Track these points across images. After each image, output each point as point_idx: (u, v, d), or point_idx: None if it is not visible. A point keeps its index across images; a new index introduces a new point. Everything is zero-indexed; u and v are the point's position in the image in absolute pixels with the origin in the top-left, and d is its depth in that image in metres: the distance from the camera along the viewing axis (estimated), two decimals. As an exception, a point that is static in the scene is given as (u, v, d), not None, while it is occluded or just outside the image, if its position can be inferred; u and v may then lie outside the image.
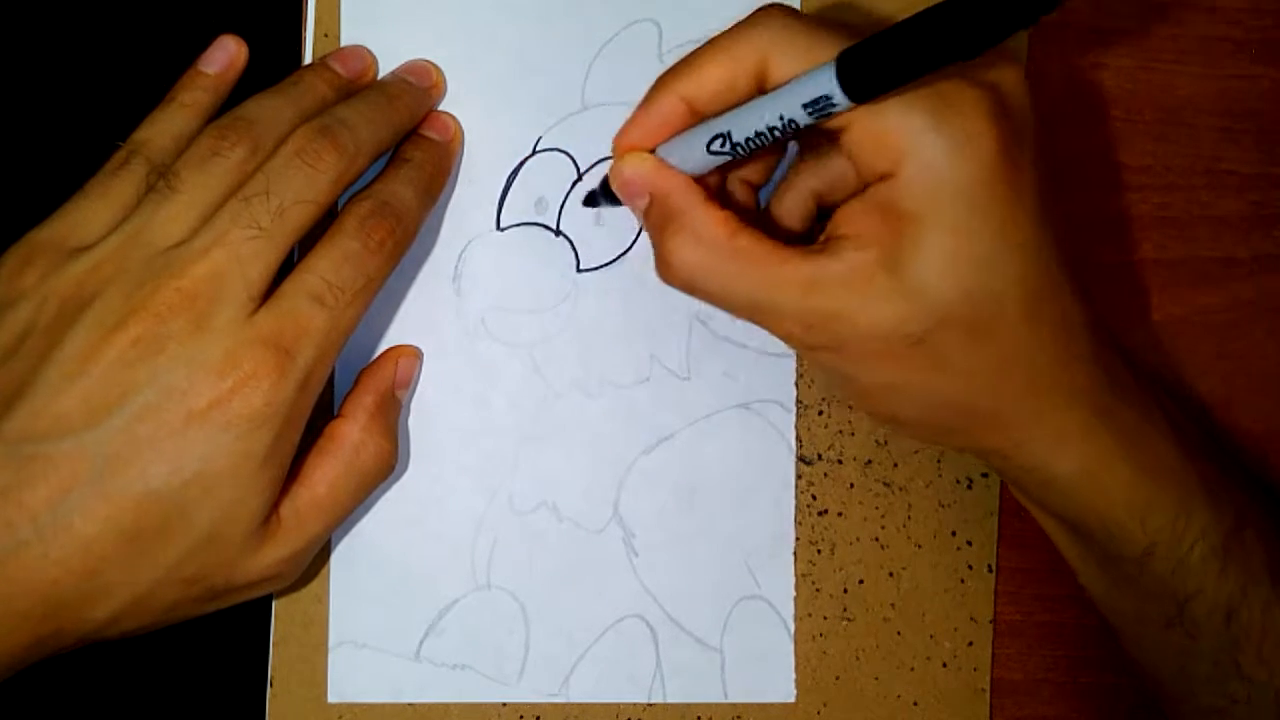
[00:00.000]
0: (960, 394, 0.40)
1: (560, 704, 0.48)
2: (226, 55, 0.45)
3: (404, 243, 0.43)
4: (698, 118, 0.40)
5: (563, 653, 0.48)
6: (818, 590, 0.49)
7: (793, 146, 0.46)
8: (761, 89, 0.39)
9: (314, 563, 0.47)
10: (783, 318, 0.39)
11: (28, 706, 0.46)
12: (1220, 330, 0.51)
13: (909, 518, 0.50)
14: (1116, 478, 0.41)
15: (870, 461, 0.49)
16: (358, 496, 0.44)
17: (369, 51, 0.47)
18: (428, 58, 0.47)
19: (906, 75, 0.34)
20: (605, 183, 0.44)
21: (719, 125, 0.39)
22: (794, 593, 0.49)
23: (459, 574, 0.48)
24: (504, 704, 0.48)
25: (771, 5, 0.40)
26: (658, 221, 0.41)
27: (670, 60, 0.47)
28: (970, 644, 0.50)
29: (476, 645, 0.48)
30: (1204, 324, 0.51)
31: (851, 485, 0.49)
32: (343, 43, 0.47)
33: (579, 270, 0.48)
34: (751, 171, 0.44)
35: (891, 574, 0.49)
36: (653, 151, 0.41)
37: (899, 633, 0.49)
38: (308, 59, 0.47)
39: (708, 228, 0.39)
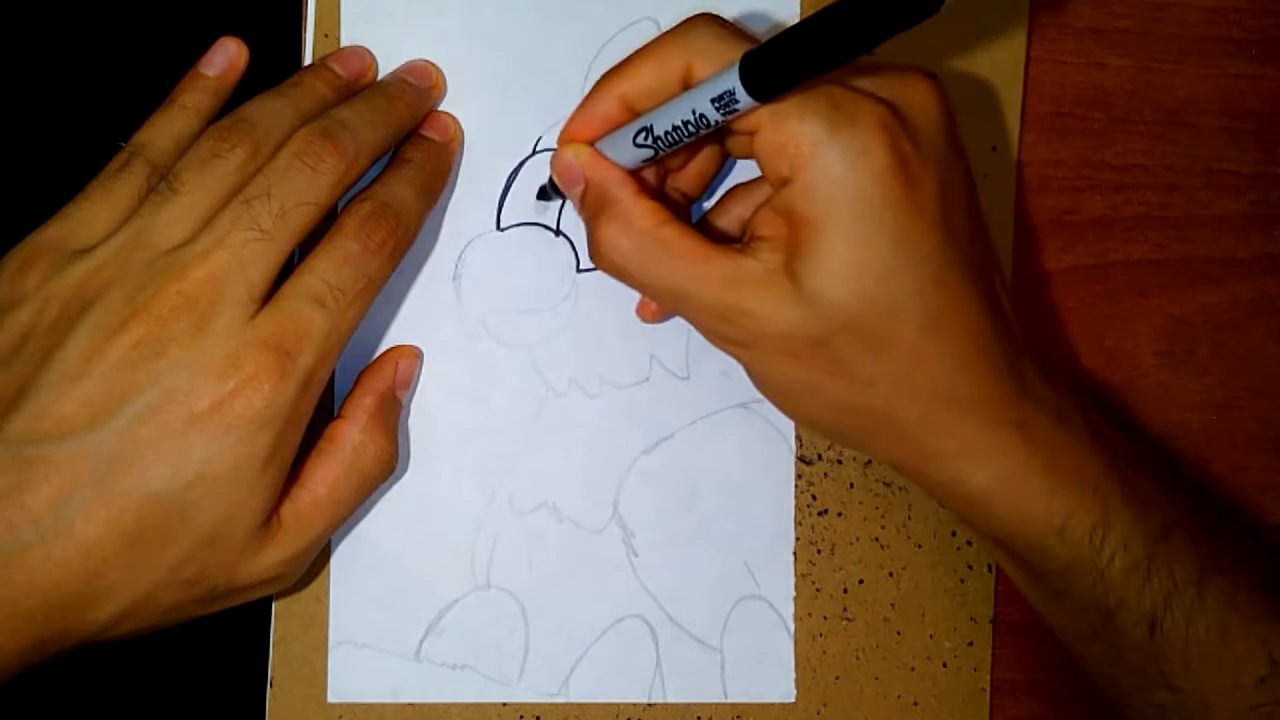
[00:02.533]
0: (863, 400, 0.41)
1: (560, 704, 0.48)
2: (227, 57, 0.45)
3: (404, 243, 0.43)
4: (633, 115, 0.42)
5: (563, 653, 0.48)
6: (818, 590, 0.49)
7: (730, 163, 0.48)
8: (688, 90, 0.41)
9: (314, 563, 0.47)
10: (700, 309, 0.41)
11: (28, 706, 0.46)
12: (1220, 330, 0.51)
13: (909, 518, 0.50)
14: (1032, 491, 0.42)
15: (870, 461, 0.49)
16: (358, 497, 0.44)
17: (369, 52, 0.47)
18: (428, 58, 0.47)
19: (800, 75, 0.36)
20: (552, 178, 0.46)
21: (644, 120, 0.41)
22: (794, 593, 0.49)
23: (459, 574, 0.48)
24: (504, 704, 0.48)
25: (701, 15, 0.42)
26: (592, 208, 0.43)
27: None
28: (970, 644, 0.50)
29: (476, 645, 0.48)
30: (1204, 324, 0.51)
31: (851, 485, 0.49)
32: (343, 43, 0.47)
33: (579, 270, 0.48)
34: (687, 183, 0.46)
35: (891, 574, 0.50)
36: (592, 145, 0.44)
37: (899, 633, 0.49)
38: (308, 60, 0.47)
39: (638, 216, 0.41)
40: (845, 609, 0.49)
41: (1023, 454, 0.41)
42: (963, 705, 0.50)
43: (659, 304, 0.45)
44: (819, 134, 0.38)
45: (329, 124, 0.42)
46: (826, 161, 0.38)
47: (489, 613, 0.48)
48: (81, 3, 0.47)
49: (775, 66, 0.37)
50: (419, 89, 0.46)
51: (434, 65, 0.47)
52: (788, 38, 0.36)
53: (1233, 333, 0.51)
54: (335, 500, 0.43)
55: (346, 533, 0.48)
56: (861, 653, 0.49)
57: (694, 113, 0.39)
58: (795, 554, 0.49)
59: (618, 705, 0.49)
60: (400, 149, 0.45)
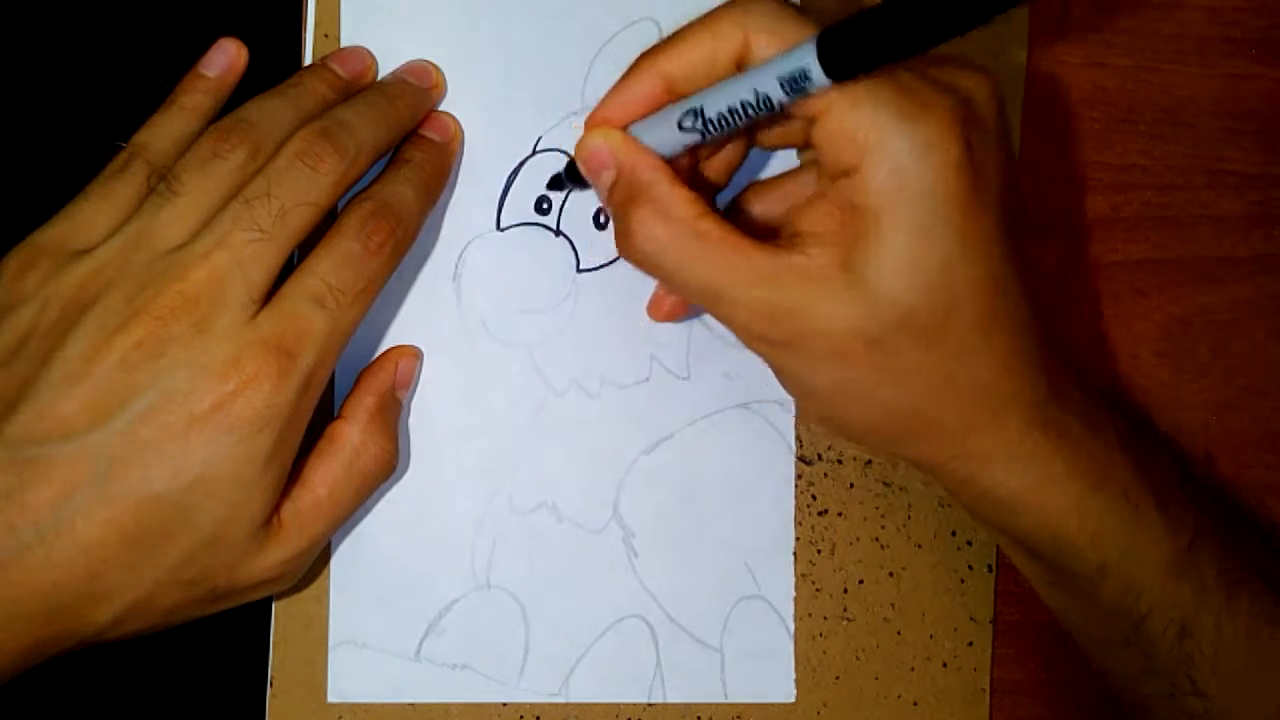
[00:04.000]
0: (908, 400, 0.40)
1: (560, 704, 0.48)
2: (226, 58, 0.45)
3: (404, 244, 0.43)
4: (674, 98, 0.40)
5: (563, 653, 0.48)
6: (818, 590, 0.49)
7: (755, 154, 0.46)
8: (739, 71, 0.39)
9: (314, 563, 0.47)
10: (738, 307, 0.39)
11: (28, 706, 0.46)
12: (1220, 330, 0.51)
13: (909, 518, 0.50)
14: (1065, 494, 0.41)
15: (870, 461, 0.49)
16: (359, 497, 0.44)
17: (369, 52, 0.47)
18: (428, 58, 0.47)
19: (886, 56, 0.35)
20: (572, 164, 0.44)
21: (692, 101, 0.39)
22: (794, 593, 0.49)
23: (459, 574, 0.48)
24: (504, 704, 0.48)
25: None
26: (623, 196, 0.41)
27: (669, 60, 0.47)
28: (970, 644, 0.50)
29: (476, 645, 0.48)
30: (1204, 324, 0.51)
31: (851, 485, 0.49)
32: (343, 43, 0.47)
33: (579, 270, 0.48)
34: (713, 172, 0.44)
35: (891, 574, 0.50)
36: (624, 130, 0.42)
37: (899, 633, 0.50)
38: (308, 60, 0.47)
39: (675, 205, 0.39)
40: (845, 609, 0.49)
41: (1057, 457, 0.41)
42: (963, 705, 0.50)
43: (692, 300, 0.42)
44: (892, 124, 0.37)
45: (329, 124, 0.42)
46: (897, 153, 0.37)
47: (489, 613, 0.48)
48: (81, 3, 0.47)
49: (857, 46, 0.35)
50: (419, 89, 0.46)
51: (434, 65, 0.47)
52: (874, 16, 0.34)
53: (1233, 333, 0.51)
54: (335, 500, 0.43)
55: (346, 533, 0.48)
56: (861, 653, 0.49)
57: (756, 94, 0.37)
58: (795, 554, 0.49)
59: (618, 705, 0.49)
60: (400, 149, 0.45)
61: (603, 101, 0.42)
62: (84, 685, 0.47)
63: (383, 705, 0.48)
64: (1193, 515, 0.42)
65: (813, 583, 0.49)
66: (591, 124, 0.42)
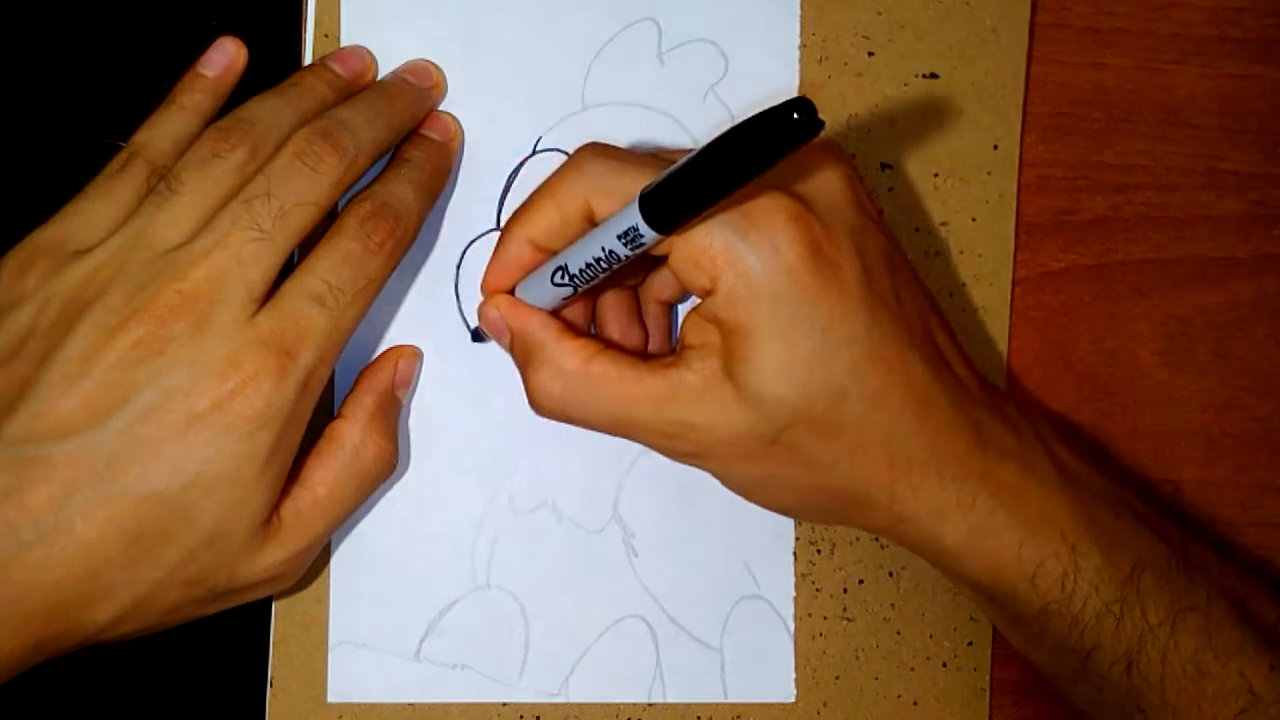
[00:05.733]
0: (827, 481, 0.42)
1: (560, 704, 0.48)
2: (226, 57, 0.45)
3: (404, 243, 0.43)
4: (547, 255, 0.43)
5: (563, 653, 0.48)
6: (818, 590, 0.49)
7: None
8: (592, 223, 0.41)
9: (314, 563, 0.47)
10: (647, 431, 0.42)
11: (28, 707, 0.46)
12: (1220, 330, 0.51)
13: (909, 518, 0.50)
14: (1001, 542, 0.42)
15: (870, 461, 0.49)
16: (359, 497, 0.44)
17: (369, 52, 0.47)
18: (428, 58, 0.47)
19: (697, 206, 0.37)
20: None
21: (559, 259, 0.42)
22: (794, 592, 0.49)
23: (459, 574, 0.48)
24: (504, 704, 0.48)
25: (588, 146, 0.42)
26: (520, 357, 0.43)
27: (669, 60, 0.48)
28: (970, 644, 0.50)
29: (476, 645, 0.48)
30: (1204, 324, 0.51)
31: (851, 485, 0.49)
32: (343, 43, 0.47)
33: (579, 270, 0.48)
34: (660, 292, 0.46)
35: (891, 574, 0.50)
36: (513, 290, 0.44)
37: (899, 633, 0.49)
38: (308, 59, 0.47)
39: (565, 358, 0.42)
40: (845, 609, 0.49)
41: (988, 508, 0.42)
42: (963, 705, 0.50)
43: (610, 434, 0.44)
44: (728, 241, 0.39)
45: (329, 124, 0.42)
46: (741, 267, 0.39)
47: (489, 613, 0.48)
48: (81, 3, 0.47)
49: (673, 202, 0.37)
50: (419, 89, 0.46)
51: (434, 65, 0.47)
52: (681, 174, 0.36)
53: (1233, 333, 0.51)
54: (335, 500, 0.43)
55: (346, 533, 0.48)
56: (861, 653, 0.49)
57: (604, 250, 0.39)
58: (795, 554, 0.49)
59: (618, 705, 0.49)
60: (400, 149, 0.45)
61: (488, 268, 0.44)
62: (84, 685, 0.47)
63: (383, 705, 0.48)
64: (1136, 547, 0.43)
65: (813, 583, 0.49)
66: (483, 289, 0.45)
